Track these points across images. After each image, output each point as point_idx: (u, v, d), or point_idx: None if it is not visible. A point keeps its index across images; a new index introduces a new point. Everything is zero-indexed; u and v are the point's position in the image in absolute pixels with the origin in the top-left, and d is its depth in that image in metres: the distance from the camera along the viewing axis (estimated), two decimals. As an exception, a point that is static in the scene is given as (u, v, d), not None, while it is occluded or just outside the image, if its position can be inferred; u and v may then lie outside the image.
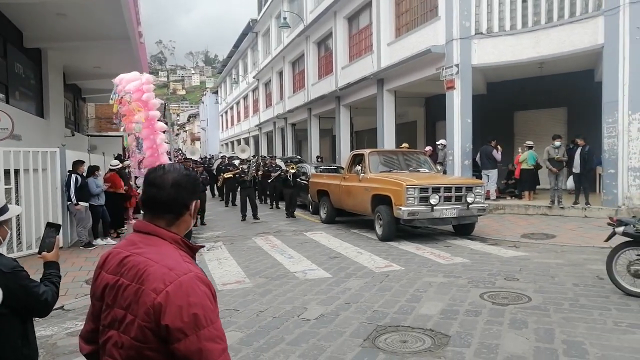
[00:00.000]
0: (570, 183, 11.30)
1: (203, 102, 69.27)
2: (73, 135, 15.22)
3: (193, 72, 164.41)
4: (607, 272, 5.60)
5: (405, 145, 15.14)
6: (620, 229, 5.41)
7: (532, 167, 13.08)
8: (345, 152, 19.63)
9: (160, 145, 7.36)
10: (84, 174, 9.19)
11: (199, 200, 1.66)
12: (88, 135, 19.51)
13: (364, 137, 24.74)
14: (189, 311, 1.35)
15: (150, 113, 6.84)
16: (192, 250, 1.58)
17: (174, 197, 1.53)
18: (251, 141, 41.09)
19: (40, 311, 2.16)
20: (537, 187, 13.82)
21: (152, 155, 7.29)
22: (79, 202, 8.79)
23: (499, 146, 13.31)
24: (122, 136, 22.48)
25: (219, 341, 1.40)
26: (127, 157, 5.40)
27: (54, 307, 5.52)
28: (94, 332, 1.57)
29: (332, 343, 4.26)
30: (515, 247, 8.48)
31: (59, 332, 4.78)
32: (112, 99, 7.73)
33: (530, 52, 12.24)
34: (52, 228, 2.35)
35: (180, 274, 1.40)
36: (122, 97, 7.12)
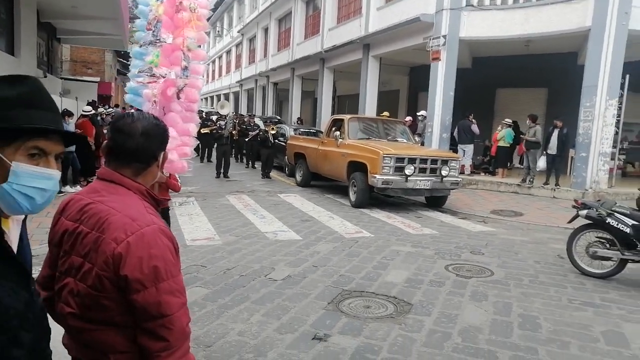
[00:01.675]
0: (541, 164, 11.50)
1: (184, 53, 67.30)
2: (45, 77, 14.61)
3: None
4: (567, 252, 5.79)
5: (385, 114, 15.09)
6: (584, 212, 5.57)
7: (508, 145, 13.26)
8: (326, 116, 19.47)
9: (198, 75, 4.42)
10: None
11: (167, 152, 1.61)
12: (62, 79, 18.79)
13: (346, 102, 24.55)
14: (149, 263, 1.34)
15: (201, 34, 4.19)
16: (157, 202, 1.54)
17: (142, 146, 1.48)
18: (231, 97, 40.33)
19: None
20: (512, 165, 14.05)
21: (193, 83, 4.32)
22: (48, 147, 8.53)
23: (474, 120, 13.40)
24: (97, 82, 21.83)
25: (178, 295, 1.39)
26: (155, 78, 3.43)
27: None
28: (50, 278, 1.54)
29: (297, 304, 4.33)
30: (484, 222, 8.68)
31: (22, 277, 4.72)
32: None
33: (518, 29, 12.17)
34: None
35: (142, 225, 1.37)
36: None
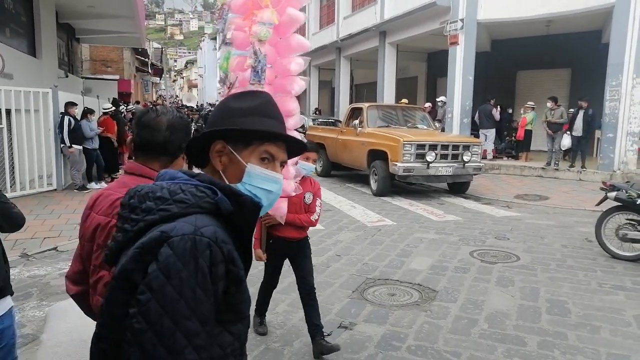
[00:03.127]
0: (566, 142, 11.23)
1: (201, 49, 67.72)
2: (67, 76, 14.89)
3: (191, 16, 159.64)
4: (595, 235, 5.66)
5: (404, 100, 14.93)
6: (613, 193, 5.43)
7: (531, 129, 13.01)
8: (344, 105, 19.38)
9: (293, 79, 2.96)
10: (77, 117, 9.06)
11: None
12: (82, 78, 19.11)
13: (364, 90, 24.35)
14: None
15: (290, 12, 2.82)
16: None
17: (169, 140, 1.52)
18: (249, 90, 40.43)
19: (15, 223, 2.24)
20: (532, 149, 13.81)
21: (279, 88, 2.99)
22: (73, 145, 8.71)
23: (499, 105, 13.17)
24: (117, 79, 22.14)
25: None
26: (227, 87, 2.76)
27: (48, 248, 5.52)
28: (81, 273, 1.57)
29: (322, 293, 4.34)
30: (508, 207, 8.55)
31: (52, 272, 4.84)
32: None
33: (539, 9, 11.86)
34: None
35: None
36: None
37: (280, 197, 2.78)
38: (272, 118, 1.17)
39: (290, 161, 2.32)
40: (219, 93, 3.19)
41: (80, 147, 8.93)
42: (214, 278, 0.94)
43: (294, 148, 1.23)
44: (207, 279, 0.93)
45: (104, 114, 10.47)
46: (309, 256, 3.46)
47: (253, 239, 1.11)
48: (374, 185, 9.53)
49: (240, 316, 1.04)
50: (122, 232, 1.03)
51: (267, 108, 1.17)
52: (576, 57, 14.39)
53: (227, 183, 1.11)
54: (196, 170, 1.16)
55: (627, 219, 5.42)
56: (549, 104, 11.74)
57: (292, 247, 3.38)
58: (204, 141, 1.14)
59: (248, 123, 1.12)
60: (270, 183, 1.14)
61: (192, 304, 0.91)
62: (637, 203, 5.19)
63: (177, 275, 0.90)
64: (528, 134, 13.03)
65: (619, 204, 5.45)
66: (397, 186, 10.04)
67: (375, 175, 9.44)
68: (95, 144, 9.32)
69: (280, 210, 3.00)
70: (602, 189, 5.68)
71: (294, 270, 3.45)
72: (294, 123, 2.88)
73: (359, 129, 10.17)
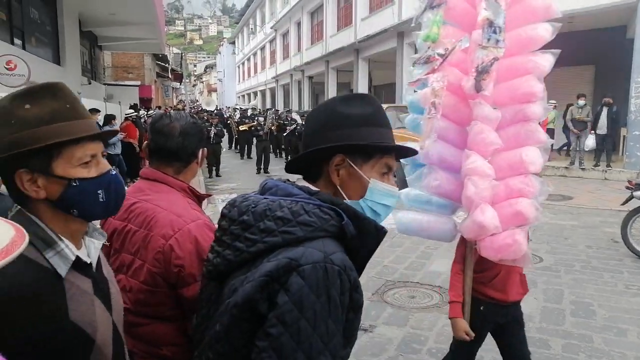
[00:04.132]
0: (590, 143, 11.00)
1: (220, 53, 68.44)
2: (90, 83, 15.23)
3: (210, 21, 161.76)
4: (621, 236, 5.53)
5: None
6: (639, 192, 5.30)
7: (554, 128, 12.79)
8: (362, 107, 19.34)
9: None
10: (99, 123, 9.25)
11: (205, 149, 1.65)
12: (105, 84, 19.51)
13: (382, 92, 24.31)
14: (197, 257, 1.37)
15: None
16: (199, 198, 1.58)
17: (182, 145, 1.53)
18: (267, 94, 40.74)
19: None
20: (554, 148, 13.58)
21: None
22: (96, 151, 8.90)
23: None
24: (138, 85, 22.55)
25: None
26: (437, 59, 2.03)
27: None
28: None
29: (341, 295, 4.34)
30: (530, 207, 8.40)
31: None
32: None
33: (561, 6, 11.50)
34: None
35: (188, 221, 1.41)
36: None
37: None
38: (386, 127, 1.09)
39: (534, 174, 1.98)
40: (418, 74, 2.19)
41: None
42: (342, 307, 0.91)
43: (402, 155, 1.19)
44: (339, 311, 0.90)
45: (126, 119, 10.67)
46: (522, 323, 2.39)
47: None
48: (393, 186, 9.48)
49: (352, 341, 1.01)
50: (233, 250, 0.97)
51: (381, 115, 1.10)
52: (600, 53, 14.06)
53: (346, 199, 1.05)
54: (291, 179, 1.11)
55: (655, 219, 5.29)
56: (581, 101, 11.42)
57: (506, 312, 2.31)
58: (322, 153, 1.05)
59: (366, 134, 1.05)
60: (390, 198, 1.10)
61: (325, 338, 0.87)
62: (665, 202, 5.06)
63: (311, 307, 0.86)
64: (550, 132, 12.80)
65: (646, 203, 5.31)
66: (417, 187, 9.96)
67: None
68: (117, 150, 9.51)
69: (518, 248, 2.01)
70: (627, 187, 5.55)
71: (499, 346, 2.43)
72: (537, 112, 2.14)
73: (378, 130, 10.13)
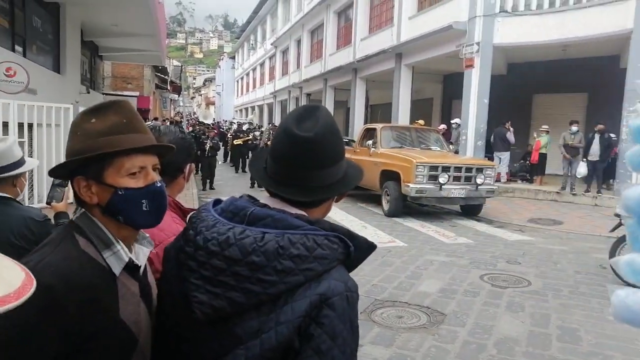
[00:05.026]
0: (582, 170, 11.12)
1: (220, 67, 68.87)
2: (88, 92, 15.28)
3: (212, 35, 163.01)
4: (609, 262, 5.58)
5: (420, 122, 14.98)
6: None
7: (546, 152, 12.93)
8: (358, 125, 19.47)
9: None
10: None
11: (193, 164, 1.67)
12: (104, 94, 19.58)
13: (379, 111, 24.49)
14: None
15: None
16: (183, 212, 1.60)
17: (170, 160, 1.53)
18: (265, 109, 40.94)
19: None
20: (547, 172, 13.70)
21: None
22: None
23: (511, 128, 13.13)
24: (137, 96, 22.63)
25: None
26: None
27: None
28: None
29: (329, 313, 4.34)
30: (521, 231, 8.46)
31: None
32: None
33: (555, 34, 11.90)
34: (59, 181, 2.40)
35: (169, 235, 1.42)
36: None
37: None
38: None
39: None
40: None
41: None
42: (358, 330, 0.98)
43: None
44: (358, 334, 0.97)
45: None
46: None
47: None
48: (385, 205, 9.53)
49: None
50: (243, 293, 0.92)
51: None
52: (593, 81, 14.32)
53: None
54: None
55: (642, 247, 5.34)
56: (574, 127, 11.57)
57: None
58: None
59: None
60: None
61: None
62: (652, 230, 5.11)
63: (340, 335, 0.91)
64: (542, 157, 12.94)
65: (634, 231, 5.37)
66: (409, 207, 10.01)
67: (388, 195, 9.44)
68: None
69: None
70: (616, 215, 5.61)
71: None
72: None
73: (373, 149, 10.22)
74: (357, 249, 0.99)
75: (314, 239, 0.94)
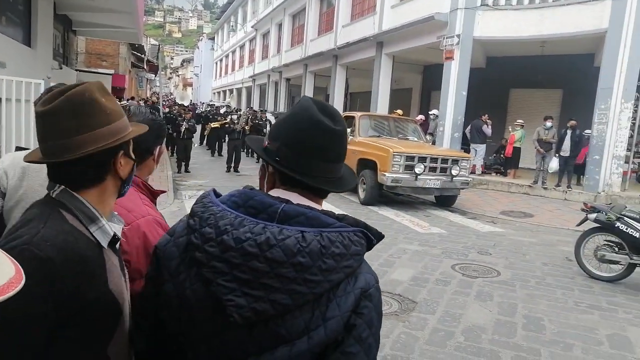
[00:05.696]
0: (554, 165, 11.40)
1: (198, 48, 67.58)
2: (61, 68, 14.80)
3: (191, 15, 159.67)
4: (575, 255, 5.76)
5: (399, 111, 15.05)
6: (593, 215, 5.54)
7: (520, 146, 13.18)
8: (337, 113, 19.46)
9: None
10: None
11: (162, 146, 1.64)
12: (76, 70, 19.01)
13: (358, 99, 24.49)
14: (145, 253, 1.36)
15: None
16: (153, 194, 1.57)
17: (137, 141, 1.51)
18: (244, 92, 40.50)
19: None
20: (520, 166, 13.98)
21: None
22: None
23: (489, 121, 13.32)
24: (111, 74, 22.06)
25: None
26: None
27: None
28: None
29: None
30: (493, 222, 8.64)
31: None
32: None
33: (534, 30, 12.06)
34: None
35: (138, 217, 1.40)
36: None
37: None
38: None
39: None
40: None
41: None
42: None
43: None
44: (382, 319, 1.03)
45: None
46: None
47: None
48: (361, 194, 9.60)
49: None
50: (290, 294, 0.91)
51: None
52: (568, 78, 14.61)
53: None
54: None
55: (606, 241, 5.53)
56: (548, 123, 11.78)
57: None
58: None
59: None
60: None
61: (378, 345, 1.01)
62: (616, 226, 5.30)
63: (375, 324, 0.99)
64: (516, 151, 13.19)
65: (599, 225, 5.55)
66: (385, 196, 10.10)
67: (364, 184, 9.50)
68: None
69: None
70: (583, 210, 5.79)
71: None
72: None
73: (350, 137, 10.24)
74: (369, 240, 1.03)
75: (348, 236, 0.96)
